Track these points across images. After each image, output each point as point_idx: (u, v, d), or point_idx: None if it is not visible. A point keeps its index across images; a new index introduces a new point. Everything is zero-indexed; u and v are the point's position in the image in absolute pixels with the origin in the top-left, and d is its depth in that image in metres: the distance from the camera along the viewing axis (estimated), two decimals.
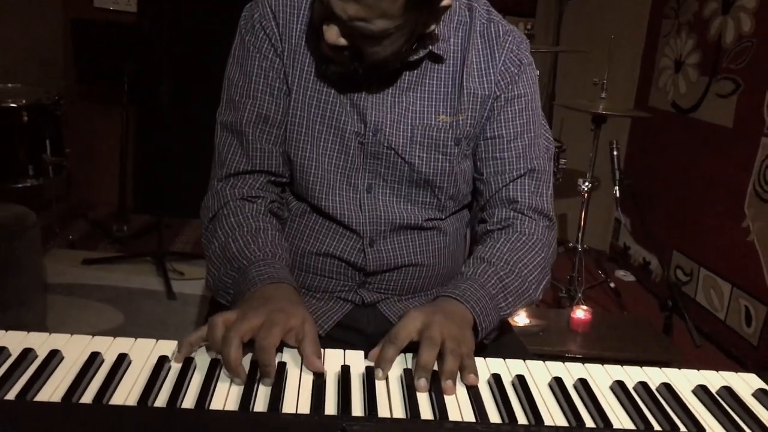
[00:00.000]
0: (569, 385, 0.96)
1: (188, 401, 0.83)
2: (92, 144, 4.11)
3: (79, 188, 4.15)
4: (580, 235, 3.07)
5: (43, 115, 3.50)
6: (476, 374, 0.95)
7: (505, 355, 1.03)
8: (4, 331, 0.95)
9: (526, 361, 1.01)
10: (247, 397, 0.84)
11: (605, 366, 1.02)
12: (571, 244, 3.12)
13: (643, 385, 0.96)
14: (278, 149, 1.25)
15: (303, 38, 1.22)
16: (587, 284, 3.30)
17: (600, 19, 4.00)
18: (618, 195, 2.81)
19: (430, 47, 1.20)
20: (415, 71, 1.22)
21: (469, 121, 1.24)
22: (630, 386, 0.97)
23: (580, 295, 2.96)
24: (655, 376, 1.01)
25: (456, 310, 1.07)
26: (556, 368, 1.00)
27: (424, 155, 1.23)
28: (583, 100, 3.23)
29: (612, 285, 3.26)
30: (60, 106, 3.59)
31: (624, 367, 1.03)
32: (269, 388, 0.87)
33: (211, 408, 0.82)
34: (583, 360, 2.30)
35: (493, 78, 1.24)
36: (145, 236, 3.83)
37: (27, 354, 0.89)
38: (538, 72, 1.35)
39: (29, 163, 3.51)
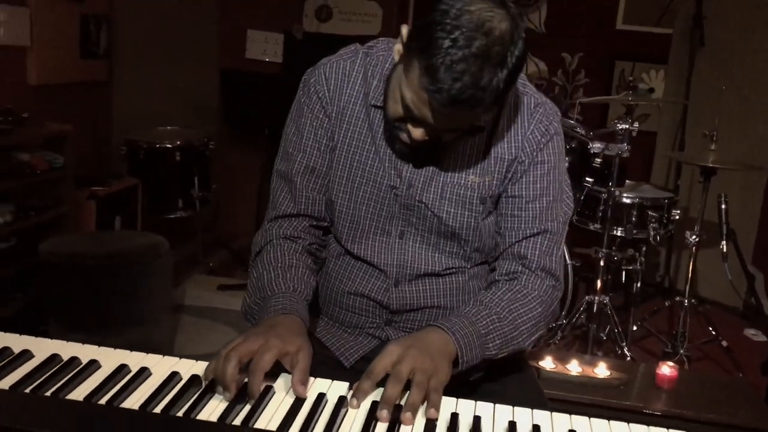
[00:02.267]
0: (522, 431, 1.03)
1: (181, 411, 1.01)
2: (236, 181, 4.54)
3: (223, 220, 4.58)
4: (687, 288, 2.98)
5: (193, 154, 3.94)
6: (437, 409, 1.05)
7: (521, 399, 1.12)
8: (50, 340, 1.18)
9: (515, 408, 1.09)
10: (227, 412, 1.00)
11: (572, 417, 1.08)
12: (678, 298, 3.03)
13: None
14: (322, 197, 1.41)
15: (350, 101, 1.38)
16: (703, 339, 3.19)
17: (735, 65, 3.86)
18: (725, 249, 2.71)
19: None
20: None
21: (495, 182, 1.35)
22: None
23: (681, 351, 2.86)
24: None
25: (438, 341, 1.17)
26: (521, 415, 1.08)
27: (452, 210, 1.35)
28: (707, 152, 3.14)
29: (724, 344, 3.11)
30: (208, 147, 4.02)
31: (590, 419, 1.08)
32: (249, 406, 1.02)
33: (196, 418, 0.99)
34: (664, 417, 2.26)
35: (520, 144, 1.34)
36: None
37: (73, 361, 1.11)
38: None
39: (179, 197, 3.96)
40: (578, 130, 2.98)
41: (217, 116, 4.43)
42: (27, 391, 1.03)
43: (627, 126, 2.72)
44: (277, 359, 1.10)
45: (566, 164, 1.41)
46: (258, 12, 4.43)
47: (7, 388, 1.03)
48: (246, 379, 1.07)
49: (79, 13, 3.82)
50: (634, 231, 2.98)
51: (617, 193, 2.87)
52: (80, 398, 1.02)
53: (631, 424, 1.08)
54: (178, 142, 3.91)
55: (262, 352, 1.09)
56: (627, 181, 3.29)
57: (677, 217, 3.09)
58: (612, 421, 1.09)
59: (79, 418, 0.98)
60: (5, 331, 1.21)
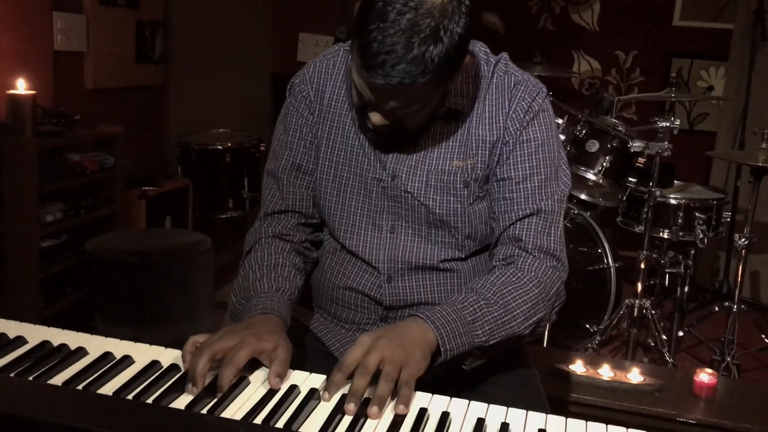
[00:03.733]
0: (491, 428, 1.01)
1: (151, 398, 1.03)
2: None
3: None
4: (736, 292, 2.85)
5: (243, 156, 4.02)
6: (407, 404, 1.03)
7: (516, 400, 1.10)
8: (46, 328, 1.22)
9: (489, 405, 1.07)
10: (197, 401, 1.02)
11: (547, 417, 1.05)
12: (726, 303, 2.90)
13: None
14: (309, 194, 1.43)
15: (333, 98, 1.39)
16: (757, 347, 3.06)
17: None
18: None
19: (447, 104, 1.31)
20: (435, 123, 1.34)
21: (479, 165, 1.34)
22: None
23: (728, 359, 2.74)
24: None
25: (414, 331, 1.15)
26: (493, 412, 1.05)
27: (438, 197, 1.34)
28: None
29: None
30: (259, 149, 4.10)
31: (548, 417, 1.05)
32: (218, 396, 1.04)
33: (167, 405, 1.01)
34: (699, 426, 2.17)
35: (502, 124, 1.33)
36: None
37: (61, 348, 1.15)
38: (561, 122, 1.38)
39: (230, 197, 4.05)
40: (620, 128, 2.90)
41: (268, 119, 4.51)
42: (11, 375, 1.07)
43: (668, 124, 2.62)
44: (254, 357, 1.11)
45: (561, 140, 1.39)
46: (309, 15, 4.49)
47: None
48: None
49: (135, 19, 3.95)
50: (681, 233, 2.88)
51: (658, 193, 2.76)
52: (59, 383, 1.06)
53: (609, 426, 1.04)
54: (229, 144, 3.99)
55: (237, 348, 1.10)
56: (676, 181, 3.18)
57: (728, 219, 2.96)
58: (589, 422, 1.05)
59: (55, 402, 1.02)
60: (55, 327, 1.23)
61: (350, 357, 1.09)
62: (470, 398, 1.09)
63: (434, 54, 1.11)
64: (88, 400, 1.02)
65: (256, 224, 1.45)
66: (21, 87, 2.77)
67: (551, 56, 4.01)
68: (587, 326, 2.97)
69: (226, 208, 4.06)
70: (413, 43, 1.10)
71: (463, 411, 1.05)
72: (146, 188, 3.57)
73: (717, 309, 3.10)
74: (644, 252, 2.78)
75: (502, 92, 1.34)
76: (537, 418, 1.05)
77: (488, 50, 1.39)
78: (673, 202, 2.92)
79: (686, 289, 2.96)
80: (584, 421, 1.05)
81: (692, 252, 3.01)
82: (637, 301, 2.79)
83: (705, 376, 2.28)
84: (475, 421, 1.02)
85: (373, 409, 1.01)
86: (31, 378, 1.07)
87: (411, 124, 1.27)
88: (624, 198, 2.96)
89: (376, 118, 1.24)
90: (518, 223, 1.32)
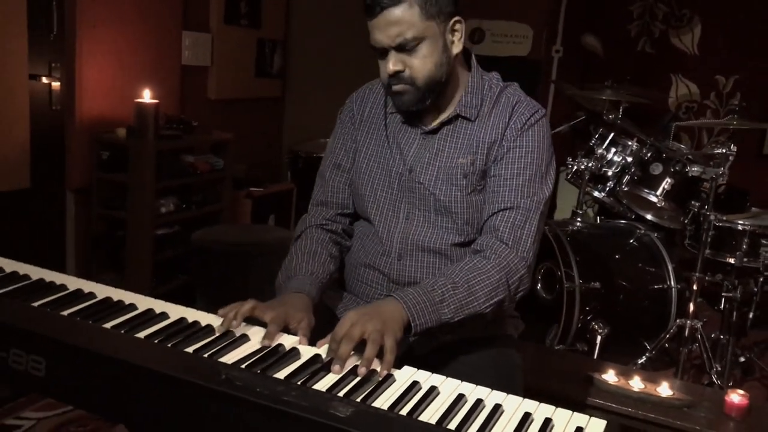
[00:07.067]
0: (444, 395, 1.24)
1: (171, 343, 1.34)
2: None
3: None
4: None
5: None
6: (389, 369, 1.28)
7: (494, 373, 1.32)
8: (123, 291, 1.57)
9: (447, 379, 1.30)
10: (203, 348, 1.32)
11: (491, 392, 1.26)
12: None
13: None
14: (345, 188, 1.74)
15: (373, 110, 1.74)
16: None
17: None
18: None
19: (458, 112, 1.63)
20: (448, 127, 1.66)
21: (477, 162, 1.62)
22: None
23: None
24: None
25: (389, 308, 1.41)
26: (447, 384, 1.28)
27: (444, 187, 1.63)
28: None
29: None
30: None
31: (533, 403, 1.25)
32: (221, 345, 1.33)
33: (183, 350, 1.32)
34: None
35: (501, 131, 1.62)
36: None
37: (118, 303, 1.49)
38: None
39: None
40: (687, 154, 2.96)
41: None
42: (78, 318, 1.42)
43: (723, 150, 2.67)
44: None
45: (552, 154, 1.64)
46: None
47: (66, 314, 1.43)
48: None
49: (257, 37, 4.42)
50: (745, 259, 2.90)
51: (712, 217, 2.81)
52: (109, 326, 1.39)
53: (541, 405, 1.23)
54: None
55: (273, 321, 1.41)
56: (754, 208, 3.19)
57: None
58: (525, 400, 1.24)
59: (104, 338, 1.34)
60: None
61: (340, 330, 1.34)
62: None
63: None
64: (127, 341, 1.34)
65: (305, 215, 1.78)
66: (147, 96, 3.25)
67: (648, 79, 4.06)
68: (645, 344, 3.04)
69: None
70: None
71: (424, 380, 1.28)
72: (253, 189, 4.00)
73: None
74: (697, 273, 2.83)
75: (506, 107, 1.64)
76: (483, 392, 1.25)
77: (500, 78, 1.69)
78: (739, 227, 2.94)
79: (751, 315, 2.97)
80: (521, 398, 1.25)
81: (761, 279, 3.00)
82: (688, 322, 2.84)
83: (736, 397, 2.33)
84: (428, 387, 1.25)
85: (361, 369, 1.27)
86: (90, 322, 1.41)
87: (417, 68, 1.55)
88: (686, 221, 3.01)
89: (389, 65, 1.55)
90: (499, 213, 1.58)
